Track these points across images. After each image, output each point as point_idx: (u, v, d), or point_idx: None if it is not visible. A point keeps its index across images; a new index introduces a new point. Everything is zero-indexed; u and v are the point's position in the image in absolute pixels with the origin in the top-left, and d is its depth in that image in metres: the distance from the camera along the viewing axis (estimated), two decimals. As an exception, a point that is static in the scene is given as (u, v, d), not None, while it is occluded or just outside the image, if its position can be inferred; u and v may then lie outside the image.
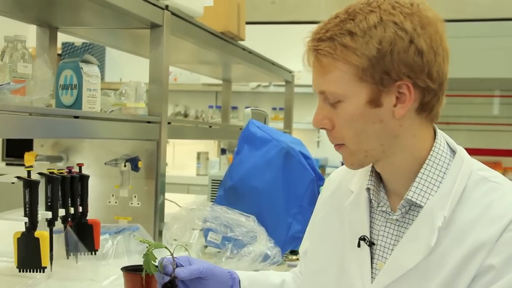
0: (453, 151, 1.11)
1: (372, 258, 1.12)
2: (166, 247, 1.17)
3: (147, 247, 1.17)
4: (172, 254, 1.16)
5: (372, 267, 1.11)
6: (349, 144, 1.07)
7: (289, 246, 1.82)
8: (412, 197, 1.07)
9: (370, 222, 1.14)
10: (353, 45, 1.01)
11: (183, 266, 1.16)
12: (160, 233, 1.92)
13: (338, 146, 1.09)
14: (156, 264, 1.16)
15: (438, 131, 1.12)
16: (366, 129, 1.05)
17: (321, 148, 5.26)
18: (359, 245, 1.12)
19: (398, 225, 1.10)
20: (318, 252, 1.22)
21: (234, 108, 5.11)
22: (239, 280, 1.24)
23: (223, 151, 4.11)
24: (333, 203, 1.23)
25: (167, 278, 1.15)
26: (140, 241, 1.19)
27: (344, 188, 1.22)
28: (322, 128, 1.09)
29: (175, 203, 2.43)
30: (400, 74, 1.01)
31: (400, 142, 1.07)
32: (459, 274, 1.01)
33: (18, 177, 1.45)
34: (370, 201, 1.15)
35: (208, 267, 1.19)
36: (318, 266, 1.21)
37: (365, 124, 1.04)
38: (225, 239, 1.72)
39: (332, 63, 1.03)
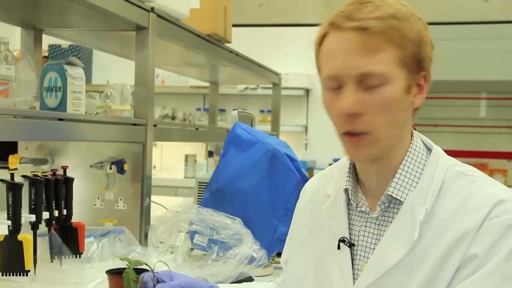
0: (429, 149, 1.13)
1: (353, 260, 1.12)
2: (146, 264, 1.17)
3: (127, 265, 1.16)
4: (152, 270, 1.16)
5: (354, 268, 1.11)
6: (377, 131, 1.03)
7: (275, 248, 1.82)
8: (392, 192, 1.08)
9: (349, 223, 1.14)
10: (402, 29, 1.02)
11: (164, 281, 1.15)
12: (146, 235, 1.91)
13: (357, 136, 1.04)
14: (137, 280, 1.15)
15: (414, 131, 1.14)
16: (397, 116, 1.05)
17: (309, 151, 5.27)
18: (339, 247, 1.12)
19: (378, 224, 1.11)
20: (299, 260, 1.22)
21: (222, 110, 5.11)
22: None
23: (210, 154, 4.11)
24: (311, 210, 1.23)
25: None
26: (120, 259, 1.18)
27: (320, 194, 1.22)
28: (349, 115, 1.02)
29: (162, 206, 2.42)
30: (426, 64, 1.06)
31: (404, 135, 1.10)
32: (443, 266, 1.02)
33: (1, 180, 1.44)
34: (348, 203, 1.15)
35: (189, 282, 1.17)
36: (299, 274, 1.21)
37: (397, 110, 1.05)
38: (211, 241, 1.72)
39: (382, 44, 1.01)
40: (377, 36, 1.01)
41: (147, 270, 1.18)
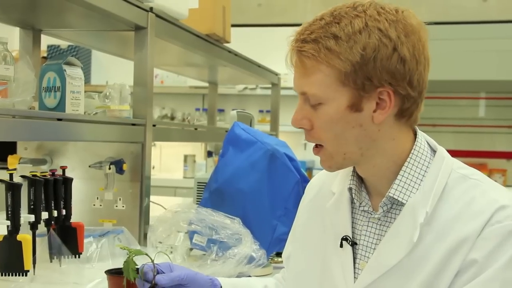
0: (434, 151, 1.12)
1: (354, 258, 1.12)
2: (146, 254, 1.17)
3: (127, 254, 1.16)
4: (153, 261, 1.16)
5: (355, 267, 1.12)
6: (327, 146, 1.08)
7: (274, 248, 1.82)
8: (394, 194, 1.08)
9: (352, 222, 1.14)
10: (337, 49, 1.01)
11: (164, 272, 1.16)
12: (145, 235, 1.91)
13: (317, 149, 1.10)
14: (137, 269, 1.15)
15: (419, 132, 1.13)
16: (345, 132, 1.05)
17: (308, 151, 5.27)
18: (341, 245, 1.13)
19: (380, 224, 1.11)
20: (301, 255, 1.22)
21: (221, 110, 5.11)
22: (221, 286, 1.24)
23: (209, 154, 4.12)
24: (315, 206, 1.23)
25: (147, 285, 1.14)
26: (121, 248, 1.19)
27: (325, 191, 1.22)
28: (300, 128, 1.09)
29: (161, 206, 2.42)
30: (381, 80, 1.02)
31: (379, 146, 1.08)
32: (442, 270, 1.02)
33: (0, 180, 1.44)
34: (352, 202, 1.15)
35: (189, 274, 1.18)
36: (301, 269, 1.21)
37: (344, 127, 1.05)
38: (210, 241, 1.72)
39: (315, 66, 1.03)
40: (310, 59, 1.03)
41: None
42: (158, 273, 1.15)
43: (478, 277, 0.99)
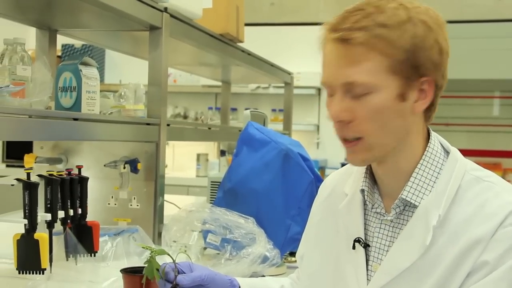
0: (447, 152, 1.12)
1: (368, 260, 1.12)
2: (168, 254, 1.18)
3: (150, 253, 1.17)
4: (174, 261, 1.17)
5: (367, 269, 1.12)
6: (369, 137, 1.05)
7: (288, 247, 1.83)
8: (406, 196, 1.08)
9: (365, 224, 1.14)
10: (389, 37, 1.01)
11: (184, 273, 1.17)
12: (160, 234, 1.93)
13: (352, 142, 1.06)
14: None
15: (432, 132, 1.13)
16: (389, 122, 1.04)
17: (320, 150, 5.27)
18: (354, 247, 1.13)
19: (393, 226, 1.11)
20: (314, 256, 1.23)
21: (234, 109, 5.12)
22: (239, 287, 1.25)
23: (222, 153, 4.12)
24: (328, 207, 1.23)
25: (168, 285, 1.15)
26: (143, 247, 1.19)
27: (338, 192, 1.22)
28: (339, 122, 1.05)
29: (175, 205, 2.44)
30: (426, 70, 1.03)
31: (409, 140, 1.08)
32: (454, 272, 1.02)
33: (17, 179, 1.46)
34: (365, 203, 1.15)
35: (209, 275, 1.19)
36: (314, 270, 1.21)
37: (389, 117, 1.04)
38: (224, 240, 1.72)
39: (365, 54, 1.01)
40: (359, 47, 1.01)
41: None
42: (179, 273, 1.16)
43: (488, 276, 0.99)
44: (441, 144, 1.12)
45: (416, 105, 1.05)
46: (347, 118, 1.04)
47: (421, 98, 1.05)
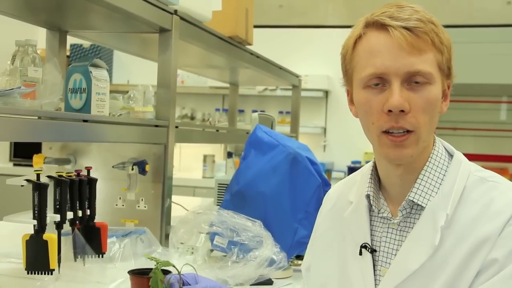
0: (451, 155, 1.14)
1: (375, 265, 1.12)
2: (173, 266, 1.19)
3: (155, 265, 1.18)
4: (179, 273, 1.18)
5: (375, 274, 1.12)
6: (421, 130, 1.05)
7: (295, 251, 1.83)
8: (413, 198, 1.08)
9: (371, 229, 1.14)
10: (440, 34, 1.05)
11: (189, 284, 1.18)
12: (167, 236, 1.93)
13: (402, 136, 1.04)
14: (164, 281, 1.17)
15: (435, 137, 1.14)
16: (435, 117, 1.08)
17: (327, 152, 5.26)
18: (360, 253, 1.13)
19: (400, 230, 1.11)
20: (321, 266, 1.23)
21: (241, 111, 5.12)
22: None
23: (229, 155, 4.13)
24: (333, 217, 1.24)
25: None
26: (149, 258, 1.20)
27: (343, 201, 1.22)
28: (397, 113, 1.02)
29: (182, 206, 2.44)
30: (450, 73, 1.08)
31: (431, 139, 1.11)
32: (463, 272, 1.02)
33: (27, 180, 1.47)
34: (370, 209, 1.15)
35: (215, 286, 1.20)
36: (322, 280, 1.21)
37: (435, 113, 1.07)
38: (231, 243, 1.73)
39: (428, 46, 1.04)
40: (422, 37, 1.03)
41: (169, 272, 1.20)
42: (184, 284, 1.17)
43: (498, 274, 1.00)
44: (444, 148, 1.14)
45: (443, 106, 1.09)
46: (407, 108, 1.03)
47: (445, 100, 1.10)
